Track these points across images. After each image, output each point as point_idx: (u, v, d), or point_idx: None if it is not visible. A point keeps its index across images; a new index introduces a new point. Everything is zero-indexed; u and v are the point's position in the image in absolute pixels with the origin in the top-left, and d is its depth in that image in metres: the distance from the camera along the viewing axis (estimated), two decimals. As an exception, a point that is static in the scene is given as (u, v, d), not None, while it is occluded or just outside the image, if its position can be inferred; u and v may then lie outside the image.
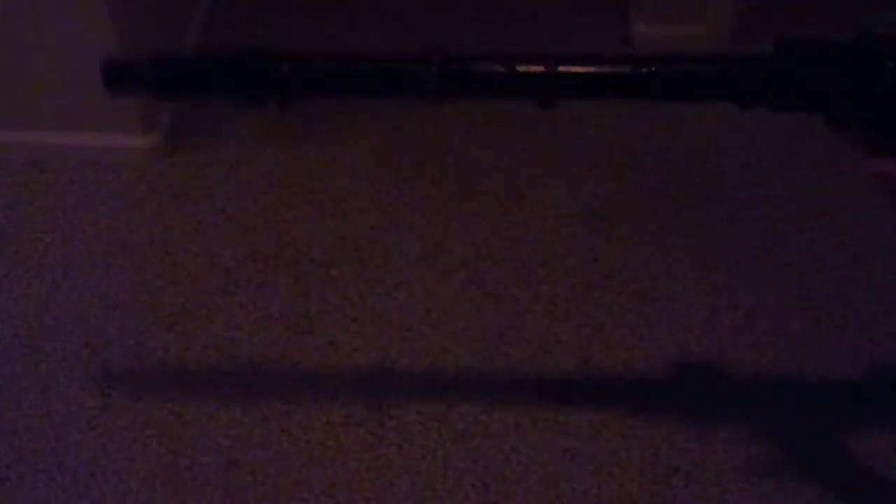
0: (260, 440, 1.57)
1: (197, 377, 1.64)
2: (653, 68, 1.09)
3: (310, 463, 1.54)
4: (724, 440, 1.54)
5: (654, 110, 1.92)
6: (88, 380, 1.64)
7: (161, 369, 1.65)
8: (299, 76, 1.12)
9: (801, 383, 1.60)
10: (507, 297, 1.72)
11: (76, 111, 1.89)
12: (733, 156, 1.86)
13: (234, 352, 1.67)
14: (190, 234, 1.83)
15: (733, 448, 1.53)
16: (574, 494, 1.49)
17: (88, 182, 1.93)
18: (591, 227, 1.81)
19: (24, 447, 1.57)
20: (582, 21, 2.17)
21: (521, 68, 1.13)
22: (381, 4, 2.24)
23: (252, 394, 1.62)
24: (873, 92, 1.00)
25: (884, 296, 1.68)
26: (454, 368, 1.64)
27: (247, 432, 1.57)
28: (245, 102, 1.15)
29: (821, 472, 1.50)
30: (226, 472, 1.53)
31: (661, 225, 1.81)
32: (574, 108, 2.00)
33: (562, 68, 1.12)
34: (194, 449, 1.56)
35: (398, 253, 1.80)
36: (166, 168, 1.94)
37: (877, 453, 1.51)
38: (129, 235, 1.84)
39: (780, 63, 1.03)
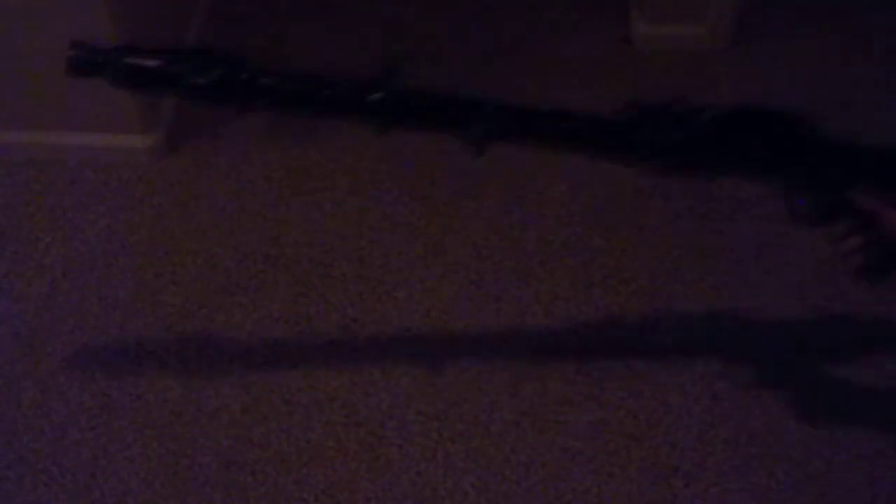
0: (260, 440, 1.57)
1: (197, 377, 1.64)
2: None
3: (310, 463, 1.54)
4: (724, 440, 1.54)
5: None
6: (88, 380, 1.64)
7: (161, 369, 1.65)
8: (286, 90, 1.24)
9: (801, 383, 1.60)
10: (507, 297, 1.72)
11: (76, 111, 1.89)
12: (733, 156, 1.86)
13: (234, 352, 1.67)
14: (190, 234, 1.83)
15: (733, 448, 1.53)
16: (574, 494, 1.50)
17: (88, 182, 1.93)
18: (591, 227, 1.81)
19: (24, 447, 1.57)
20: (582, 21, 2.17)
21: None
22: (380, 4, 2.23)
23: (252, 394, 1.62)
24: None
25: (883, 296, 1.68)
26: (454, 368, 1.64)
27: (247, 432, 1.58)
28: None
29: (821, 471, 1.50)
30: (226, 472, 1.54)
31: (661, 225, 1.81)
32: (574, 108, 2.00)
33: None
34: (194, 449, 1.56)
35: (398, 253, 1.79)
36: (166, 168, 1.94)
37: (877, 453, 1.51)
38: (129, 235, 1.84)
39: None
